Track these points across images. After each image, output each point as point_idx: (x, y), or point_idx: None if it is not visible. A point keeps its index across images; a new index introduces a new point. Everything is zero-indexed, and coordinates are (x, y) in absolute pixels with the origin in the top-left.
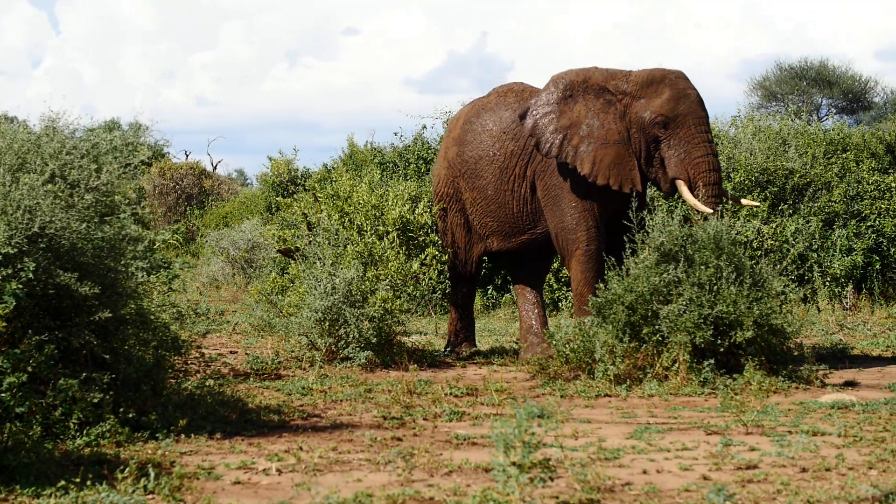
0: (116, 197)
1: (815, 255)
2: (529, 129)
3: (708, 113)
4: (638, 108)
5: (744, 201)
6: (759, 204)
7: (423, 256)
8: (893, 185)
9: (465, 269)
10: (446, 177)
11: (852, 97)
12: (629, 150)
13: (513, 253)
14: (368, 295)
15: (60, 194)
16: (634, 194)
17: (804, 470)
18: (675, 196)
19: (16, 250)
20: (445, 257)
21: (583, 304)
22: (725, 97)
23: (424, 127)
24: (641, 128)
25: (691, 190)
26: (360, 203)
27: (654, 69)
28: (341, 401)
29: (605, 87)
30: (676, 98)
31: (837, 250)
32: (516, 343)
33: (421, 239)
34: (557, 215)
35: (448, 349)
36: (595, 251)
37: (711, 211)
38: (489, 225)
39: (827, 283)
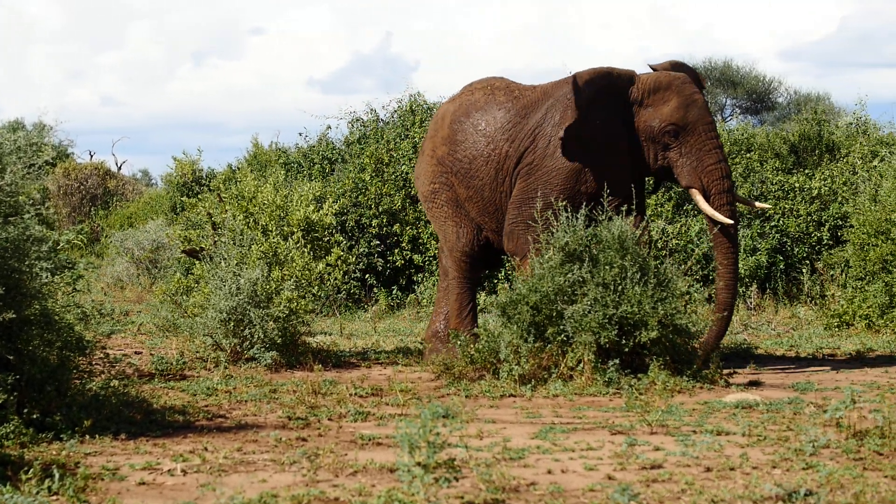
0: (20, 197)
1: None
2: (547, 134)
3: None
4: (646, 116)
5: (757, 204)
6: (770, 207)
7: (329, 258)
8: (797, 185)
9: (468, 262)
10: (435, 173)
11: (756, 97)
12: (626, 161)
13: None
14: (273, 295)
15: None
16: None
17: (708, 469)
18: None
19: None
20: (352, 258)
21: None
22: None
23: (329, 127)
24: (650, 137)
25: (707, 199)
26: (264, 203)
27: (660, 74)
28: (246, 401)
29: (619, 93)
30: (685, 105)
31: (742, 250)
32: (420, 343)
33: (326, 239)
34: (524, 214)
35: None
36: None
37: (729, 220)
38: (486, 223)
39: None
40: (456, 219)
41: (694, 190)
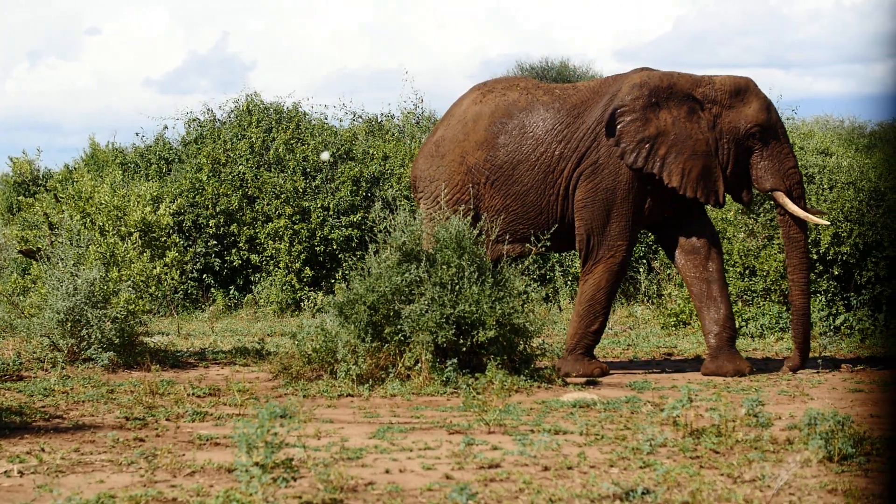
0: None
1: (556, 254)
2: (615, 139)
3: None
4: (730, 117)
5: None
6: (828, 222)
7: (166, 258)
8: None
9: None
10: (463, 183)
11: None
12: (715, 162)
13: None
14: (111, 296)
15: None
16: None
17: (546, 468)
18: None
19: None
20: (189, 258)
21: (594, 309)
22: None
23: (166, 127)
24: (734, 138)
25: (794, 201)
26: (101, 204)
27: (735, 77)
28: (83, 402)
29: (690, 94)
30: (766, 107)
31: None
32: (259, 343)
33: (163, 240)
34: (597, 219)
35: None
36: (625, 263)
37: (826, 221)
38: (518, 231)
39: (568, 283)
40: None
41: (780, 192)
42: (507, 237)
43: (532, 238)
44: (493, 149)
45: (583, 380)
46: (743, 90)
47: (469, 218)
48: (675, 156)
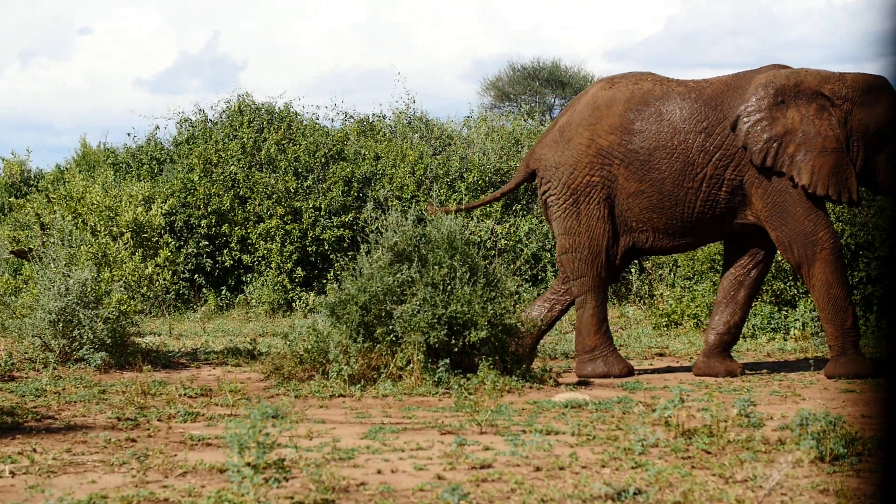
0: None
1: (548, 254)
2: (742, 137)
3: None
4: (861, 115)
5: None
6: None
7: (158, 258)
8: None
9: (608, 265)
10: (592, 164)
11: None
12: (846, 158)
13: (663, 252)
14: (103, 296)
15: None
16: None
17: (538, 469)
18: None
19: None
20: (180, 258)
21: (840, 306)
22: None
23: (157, 127)
24: (864, 135)
25: None
26: (93, 204)
27: (868, 74)
28: (75, 402)
29: (818, 91)
30: None
31: None
32: (250, 344)
33: (155, 240)
34: (790, 223)
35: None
36: (839, 247)
37: None
38: (651, 220)
39: None
40: (608, 220)
41: None
42: (641, 225)
43: (664, 230)
44: (629, 133)
45: (575, 380)
46: (876, 88)
47: (601, 201)
48: (805, 153)
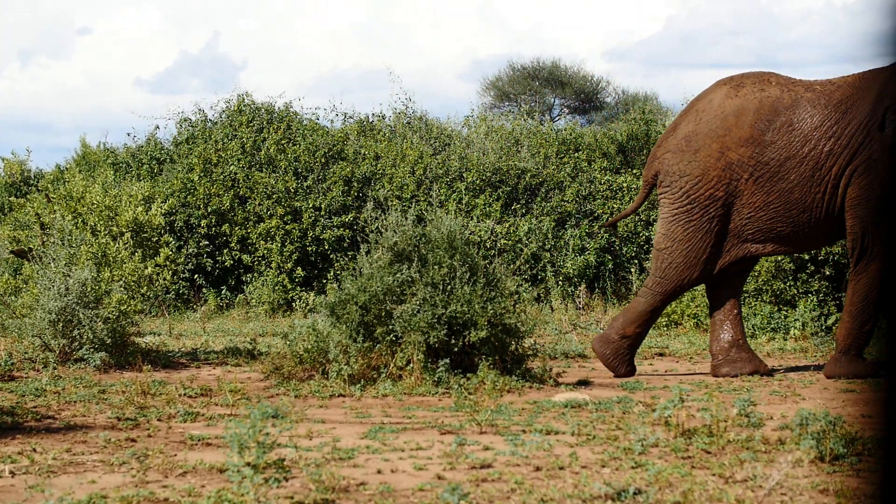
0: None
1: (548, 254)
2: (890, 136)
3: None
4: None
5: None
6: None
7: (158, 258)
8: (625, 184)
9: (696, 279)
10: (720, 178)
11: (584, 97)
12: None
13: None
14: (103, 296)
15: None
16: None
17: (538, 469)
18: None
19: None
20: (181, 258)
21: (869, 309)
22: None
23: (157, 127)
24: None
25: None
26: (93, 204)
27: None
28: (75, 402)
29: None
30: None
31: (570, 250)
32: (250, 343)
33: (155, 240)
34: (873, 216)
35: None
36: None
37: None
38: (775, 229)
39: (560, 283)
40: (714, 235)
41: None
42: (759, 235)
43: (787, 237)
44: (761, 146)
45: (574, 380)
46: None
47: (717, 217)
48: None
